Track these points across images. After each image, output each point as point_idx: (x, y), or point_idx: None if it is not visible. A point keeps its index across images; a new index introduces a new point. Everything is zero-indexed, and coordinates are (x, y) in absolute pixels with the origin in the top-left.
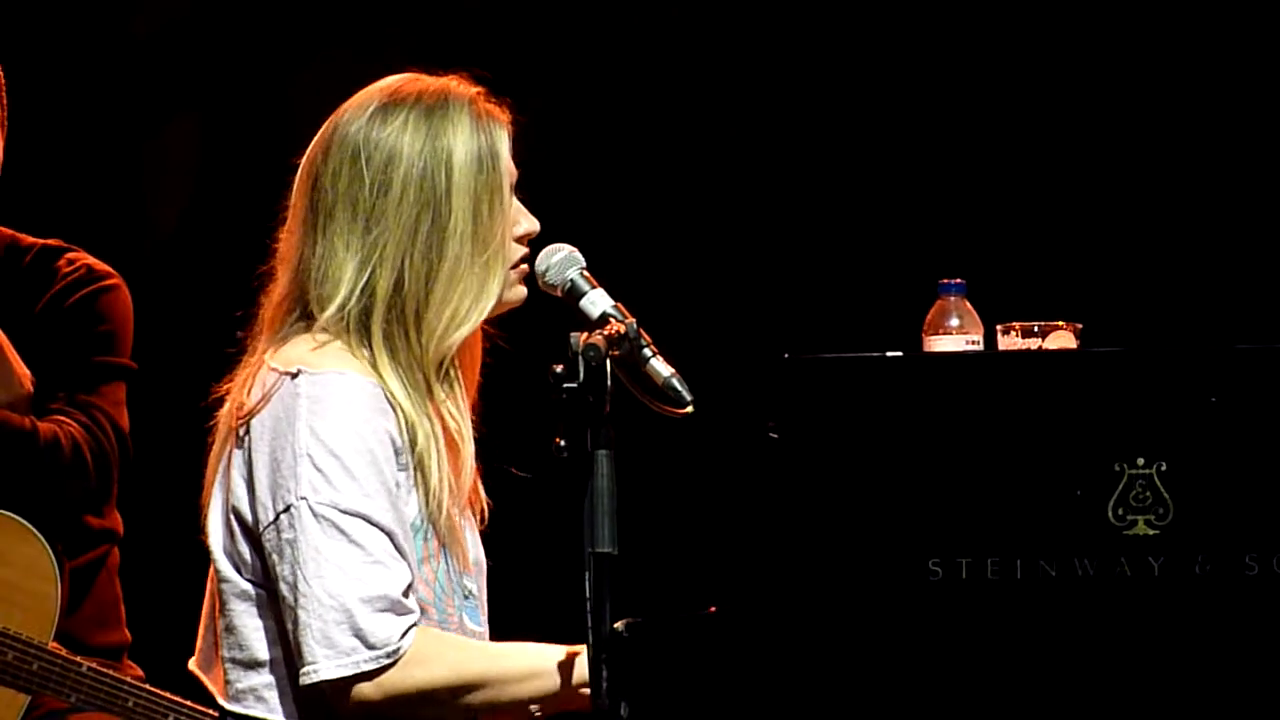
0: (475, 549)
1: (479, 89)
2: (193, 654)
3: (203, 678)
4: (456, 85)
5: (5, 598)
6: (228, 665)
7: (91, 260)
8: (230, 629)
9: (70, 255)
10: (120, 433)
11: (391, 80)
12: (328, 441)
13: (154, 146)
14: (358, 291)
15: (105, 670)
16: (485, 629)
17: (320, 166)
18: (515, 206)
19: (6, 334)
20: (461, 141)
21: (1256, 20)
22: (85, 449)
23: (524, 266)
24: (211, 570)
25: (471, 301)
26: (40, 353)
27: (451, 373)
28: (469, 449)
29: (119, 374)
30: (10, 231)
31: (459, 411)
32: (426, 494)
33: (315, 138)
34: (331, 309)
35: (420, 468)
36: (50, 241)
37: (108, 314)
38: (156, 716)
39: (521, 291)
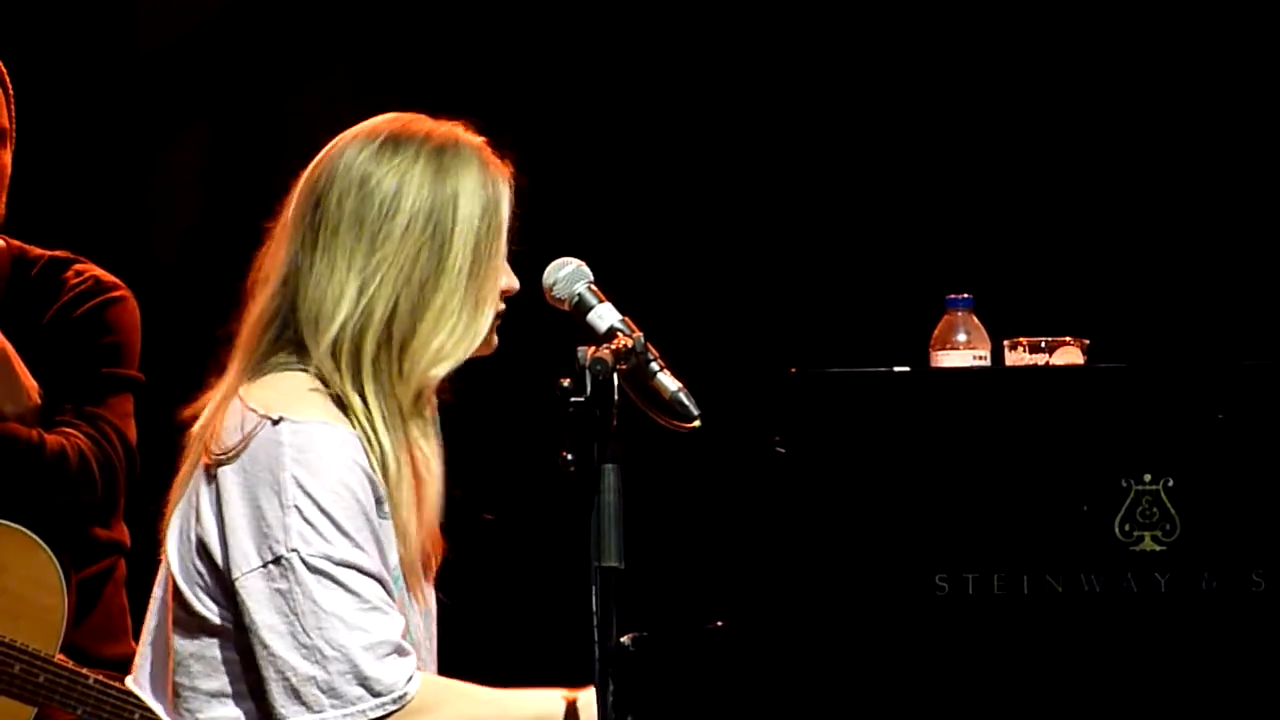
0: (430, 597)
1: (484, 139)
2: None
3: (145, 696)
4: (464, 131)
5: (12, 610)
6: (187, 693)
7: (99, 272)
8: (199, 657)
9: (78, 267)
10: (127, 444)
11: (397, 116)
12: (315, 494)
13: (162, 158)
14: (359, 312)
15: (112, 683)
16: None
17: (323, 189)
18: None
19: (14, 345)
20: (469, 185)
21: (1260, 32)
22: (92, 461)
23: (498, 320)
24: (166, 590)
25: (457, 340)
26: (47, 364)
27: (426, 411)
28: (436, 487)
29: (126, 386)
30: (18, 243)
31: (429, 449)
32: (405, 541)
33: (314, 162)
34: (333, 330)
35: (399, 513)
36: (58, 253)
37: (115, 325)
38: None
39: (495, 342)
